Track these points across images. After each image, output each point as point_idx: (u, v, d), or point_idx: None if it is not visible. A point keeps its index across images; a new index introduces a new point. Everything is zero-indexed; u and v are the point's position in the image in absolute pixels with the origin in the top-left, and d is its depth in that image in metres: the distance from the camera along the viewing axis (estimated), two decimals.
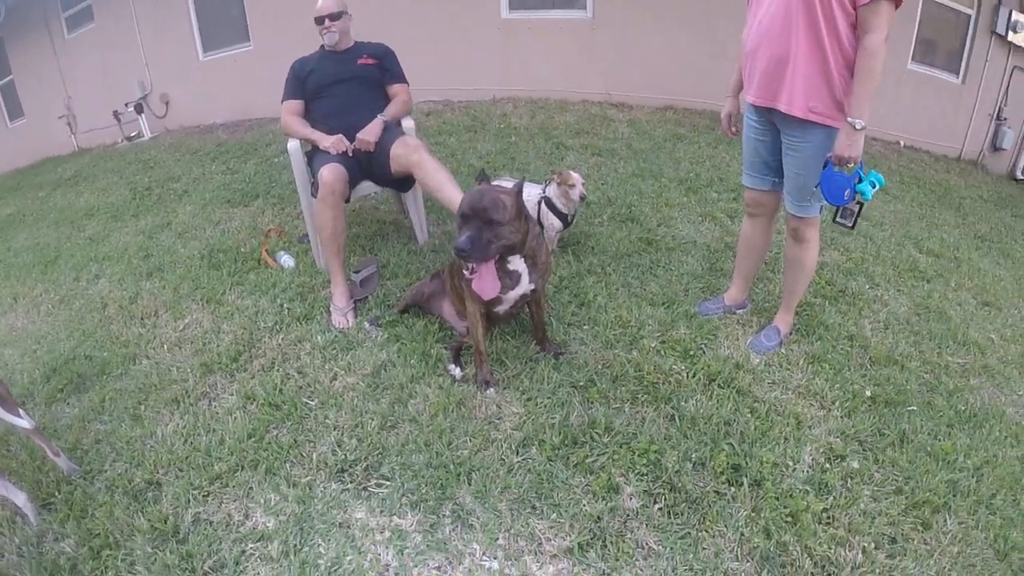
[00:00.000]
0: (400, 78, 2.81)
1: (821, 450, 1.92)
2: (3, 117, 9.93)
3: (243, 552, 1.64)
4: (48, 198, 5.91)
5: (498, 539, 1.61)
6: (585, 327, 2.43)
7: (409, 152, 2.53)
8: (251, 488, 1.82)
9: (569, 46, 5.81)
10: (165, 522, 1.75)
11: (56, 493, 1.98)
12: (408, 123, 2.81)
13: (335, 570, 1.55)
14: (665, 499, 1.72)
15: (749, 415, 2.02)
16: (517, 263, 1.93)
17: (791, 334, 2.46)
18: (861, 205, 2.02)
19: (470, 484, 1.75)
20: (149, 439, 2.09)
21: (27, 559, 1.81)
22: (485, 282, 1.78)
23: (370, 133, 2.55)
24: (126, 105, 7.05)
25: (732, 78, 2.28)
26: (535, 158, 4.44)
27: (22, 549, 1.84)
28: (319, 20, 2.67)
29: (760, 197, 2.30)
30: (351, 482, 1.80)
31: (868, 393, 2.18)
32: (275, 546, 1.63)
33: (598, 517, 1.66)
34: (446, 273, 2.32)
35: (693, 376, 2.18)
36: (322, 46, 2.76)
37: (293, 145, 2.68)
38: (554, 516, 1.66)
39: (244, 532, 1.69)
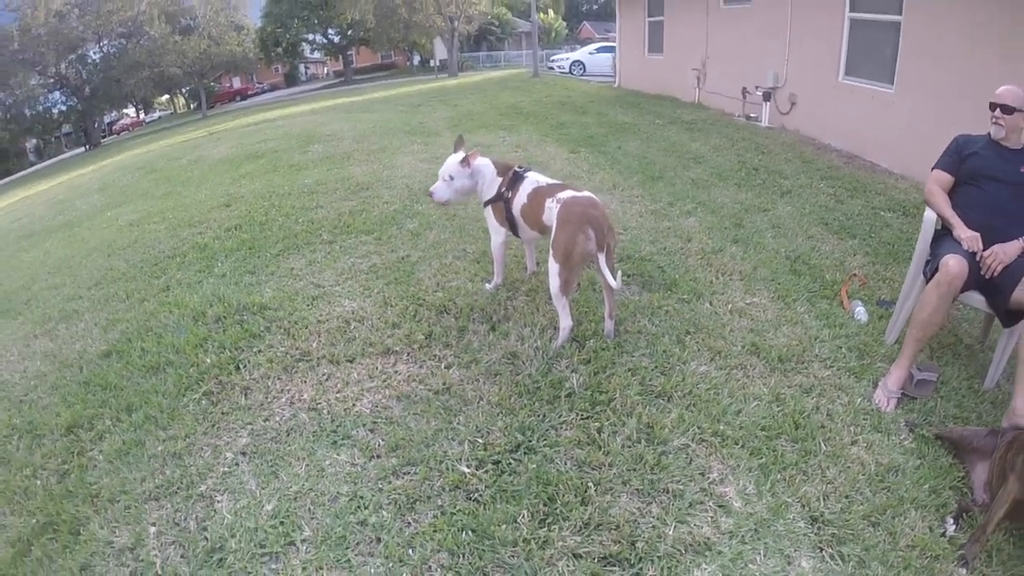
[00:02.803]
0: None
1: None
2: (645, 47, 12.33)
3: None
4: (663, 128, 7.22)
5: None
6: None
7: None
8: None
9: None
10: (664, 443, 2.06)
11: (586, 340, 2.55)
12: None
13: None
14: None
15: None
16: None
17: None
18: None
19: None
20: (679, 364, 2.46)
21: (539, 359, 2.44)
22: None
23: (1007, 252, 2.37)
24: (756, 88, 7.75)
25: None
26: None
27: (539, 351, 2.50)
28: (991, 107, 2.57)
29: None
30: None
31: None
32: None
33: None
34: (1003, 442, 2.01)
35: None
36: (989, 133, 2.65)
37: (931, 216, 2.64)
38: None
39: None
